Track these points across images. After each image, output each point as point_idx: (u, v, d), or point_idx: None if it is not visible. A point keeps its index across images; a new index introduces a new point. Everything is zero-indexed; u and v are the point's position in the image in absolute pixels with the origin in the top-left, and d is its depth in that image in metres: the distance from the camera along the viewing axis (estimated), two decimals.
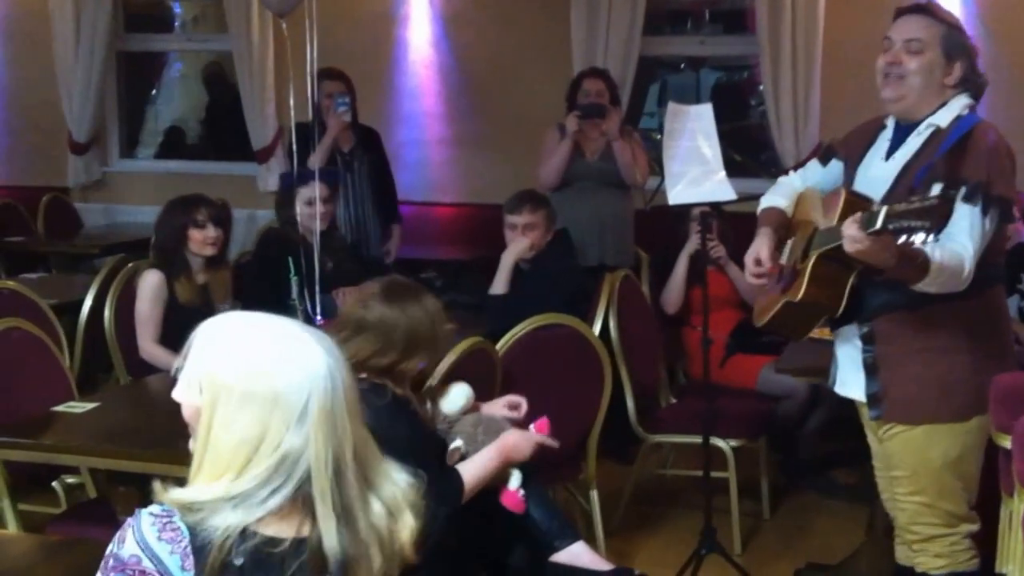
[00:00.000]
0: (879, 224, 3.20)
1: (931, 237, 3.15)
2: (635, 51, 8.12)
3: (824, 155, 4.09)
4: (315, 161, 6.32)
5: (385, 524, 2.16)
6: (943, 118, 3.71)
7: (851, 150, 3.96)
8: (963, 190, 3.54)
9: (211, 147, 10.31)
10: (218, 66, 10.14)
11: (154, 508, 2.13)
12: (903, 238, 3.16)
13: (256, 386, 2.09)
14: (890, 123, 3.85)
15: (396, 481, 2.23)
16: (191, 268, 5.53)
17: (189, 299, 5.45)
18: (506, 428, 3.87)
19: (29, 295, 5.76)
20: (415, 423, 3.72)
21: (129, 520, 2.15)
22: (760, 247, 3.90)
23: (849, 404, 4.03)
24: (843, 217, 3.49)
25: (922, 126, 3.73)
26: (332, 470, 2.10)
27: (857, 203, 3.59)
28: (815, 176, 4.08)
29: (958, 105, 3.73)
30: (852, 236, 3.34)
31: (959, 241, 3.53)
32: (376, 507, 2.16)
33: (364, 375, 3.58)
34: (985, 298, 3.75)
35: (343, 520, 2.11)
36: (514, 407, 4.13)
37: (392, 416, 3.56)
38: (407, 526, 2.19)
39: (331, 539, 2.09)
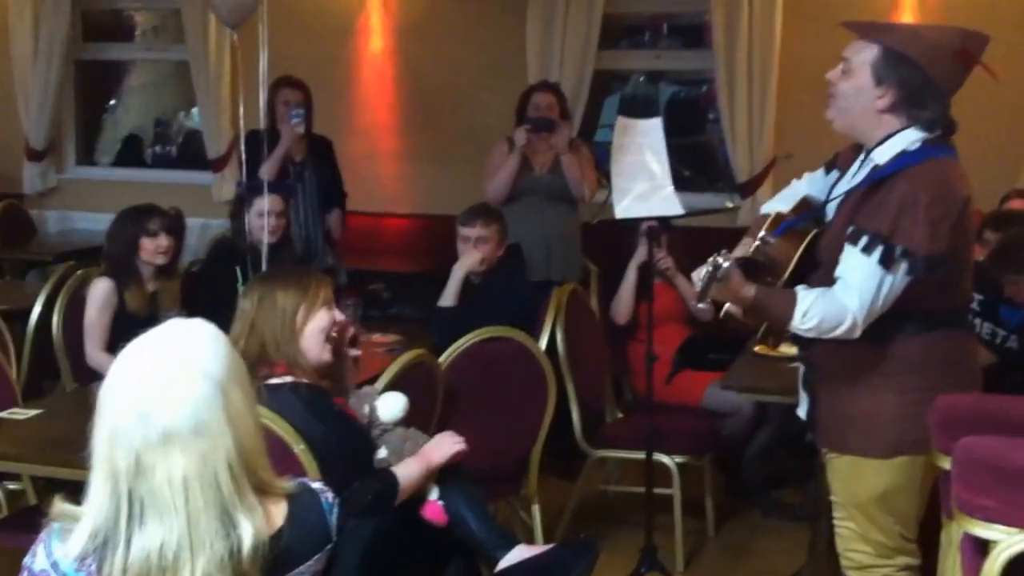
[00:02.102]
0: (702, 271, 3.25)
1: (701, 304, 3.24)
2: (590, 65, 8.13)
3: (829, 163, 3.93)
4: (266, 171, 6.30)
5: (172, 549, 2.10)
6: (884, 153, 3.53)
7: (843, 162, 3.82)
8: (863, 239, 3.43)
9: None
10: None
11: (66, 525, 2.14)
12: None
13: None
14: None
15: (219, 532, 2.13)
16: (142, 277, 5.53)
17: (137, 307, 5.46)
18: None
19: None
20: (334, 418, 3.72)
21: (42, 534, 2.15)
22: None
23: (794, 424, 4.00)
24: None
25: (868, 158, 3.59)
26: (134, 474, 2.10)
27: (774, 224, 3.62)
28: (815, 184, 3.93)
29: (906, 140, 3.52)
30: (695, 276, 3.37)
31: (848, 292, 3.44)
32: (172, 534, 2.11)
33: (291, 378, 3.68)
34: (926, 342, 3.59)
35: (138, 519, 2.09)
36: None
37: (311, 412, 3.63)
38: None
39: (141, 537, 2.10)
